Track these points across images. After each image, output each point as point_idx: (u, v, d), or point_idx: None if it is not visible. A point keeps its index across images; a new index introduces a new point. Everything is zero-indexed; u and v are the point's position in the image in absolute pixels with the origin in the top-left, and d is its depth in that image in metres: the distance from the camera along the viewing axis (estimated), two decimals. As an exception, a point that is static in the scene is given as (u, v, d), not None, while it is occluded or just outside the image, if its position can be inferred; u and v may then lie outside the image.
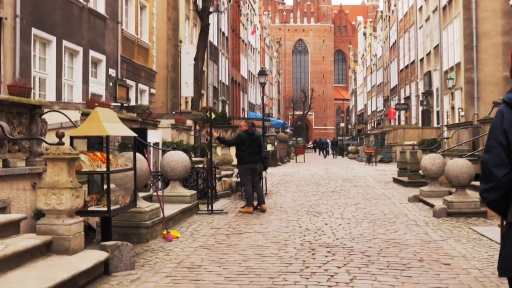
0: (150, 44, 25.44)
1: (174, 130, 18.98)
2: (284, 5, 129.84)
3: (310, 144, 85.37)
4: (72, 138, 7.12)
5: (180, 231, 9.29)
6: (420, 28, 41.40)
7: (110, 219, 7.24)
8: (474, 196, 11.16)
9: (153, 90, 25.89)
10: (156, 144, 13.98)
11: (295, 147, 50.31)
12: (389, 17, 57.35)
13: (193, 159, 15.83)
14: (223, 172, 17.00)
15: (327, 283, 6.02)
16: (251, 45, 62.06)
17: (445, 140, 26.57)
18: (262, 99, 27.73)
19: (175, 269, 6.68)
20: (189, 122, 20.97)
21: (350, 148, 52.76)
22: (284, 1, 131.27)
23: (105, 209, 6.97)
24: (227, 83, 44.92)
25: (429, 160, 13.27)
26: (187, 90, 26.54)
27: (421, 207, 12.49)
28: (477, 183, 11.98)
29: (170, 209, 9.98)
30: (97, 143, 8.00)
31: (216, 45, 40.43)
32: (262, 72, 26.30)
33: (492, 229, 9.29)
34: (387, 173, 24.44)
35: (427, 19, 38.67)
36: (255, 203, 12.23)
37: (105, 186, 7.24)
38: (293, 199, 14.50)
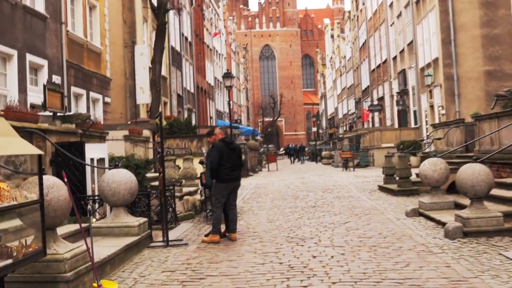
0: (102, 48, 22.84)
1: (128, 143, 16.57)
2: (249, 11, 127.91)
3: (281, 151, 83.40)
4: None
5: (120, 279, 6.87)
6: (391, 25, 39.59)
7: (-3, 281, 4.82)
8: (493, 209, 8.98)
9: (107, 99, 23.27)
10: (101, 160, 11.55)
11: (266, 155, 48.05)
12: (358, 16, 55.56)
13: (149, 175, 13.42)
14: (185, 189, 14.56)
15: None
16: (217, 51, 59.63)
17: (425, 141, 24.58)
18: (229, 103, 25.39)
19: None
20: (146, 133, 18.53)
21: (324, 153, 50.70)
22: (249, 7, 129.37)
23: (-14, 268, 4.54)
24: (192, 90, 42.43)
25: (430, 166, 11.07)
26: (142, 96, 23.89)
27: (425, 224, 10.25)
28: (497, 192, 9.82)
29: (108, 248, 7.55)
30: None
31: (179, 50, 37.96)
32: (227, 75, 23.91)
33: (531, 255, 7.10)
34: (369, 180, 22.25)
35: (399, 15, 36.89)
36: (223, 227, 9.87)
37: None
38: (268, 219, 12.14)
